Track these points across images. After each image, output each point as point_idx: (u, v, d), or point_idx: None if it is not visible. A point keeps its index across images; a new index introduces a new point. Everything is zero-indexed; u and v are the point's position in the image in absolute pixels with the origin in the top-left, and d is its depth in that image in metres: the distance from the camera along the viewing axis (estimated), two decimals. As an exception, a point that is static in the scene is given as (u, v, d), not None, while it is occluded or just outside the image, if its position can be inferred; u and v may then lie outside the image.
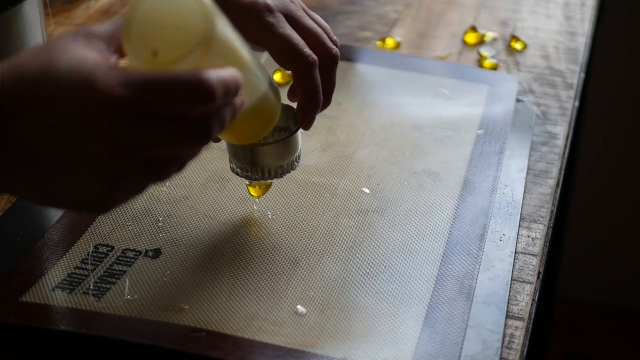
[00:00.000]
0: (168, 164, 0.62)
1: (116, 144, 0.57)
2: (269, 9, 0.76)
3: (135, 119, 0.57)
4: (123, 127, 0.57)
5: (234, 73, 0.60)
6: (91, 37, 0.60)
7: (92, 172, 0.58)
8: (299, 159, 0.80)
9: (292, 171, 0.80)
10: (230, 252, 0.79)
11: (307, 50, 0.76)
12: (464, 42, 1.18)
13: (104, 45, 0.60)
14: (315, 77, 0.77)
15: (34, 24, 0.90)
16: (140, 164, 0.59)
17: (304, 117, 0.78)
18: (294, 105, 0.79)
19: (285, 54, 0.76)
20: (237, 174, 0.80)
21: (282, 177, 0.80)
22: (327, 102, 0.79)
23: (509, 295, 0.77)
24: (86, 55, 0.58)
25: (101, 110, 0.57)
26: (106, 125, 0.57)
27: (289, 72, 0.81)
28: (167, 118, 0.58)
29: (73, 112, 0.57)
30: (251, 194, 0.84)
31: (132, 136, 0.58)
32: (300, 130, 0.79)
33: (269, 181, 0.82)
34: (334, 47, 0.79)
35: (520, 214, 0.86)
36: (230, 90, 0.60)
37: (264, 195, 0.84)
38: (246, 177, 0.80)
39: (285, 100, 0.79)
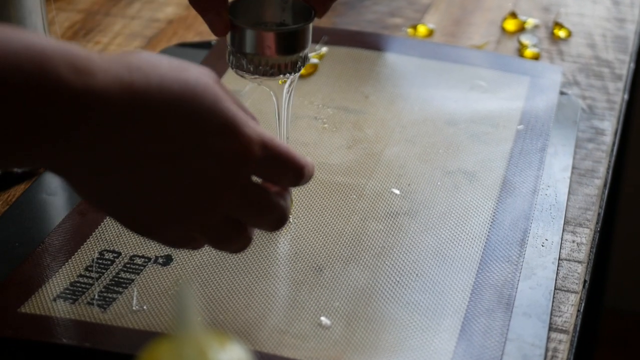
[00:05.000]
0: (236, 234, 0.65)
1: (219, 194, 0.61)
2: None
3: (250, 182, 0.63)
4: (236, 183, 0.62)
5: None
6: (226, 91, 0.63)
7: (172, 205, 0.61)
8: (309, 58, 0.79)
9: (302, 68, 0.77)
10: (248, 258, 0.78)
11: None
12: (503, 30, 1.18)
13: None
14: None
15: (34, 10, 0.89)
16: (219, 220, 0.63)
17: (324, 3, 0.78)
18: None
19: None
20: (238, 67, 0.77)
21: (292, 74, 0.77)
22: None
23: (552, 305, 0.77)
24: (230, 101, 0.62)
25: (232, 160, 0.61)
26: (226, 174, 0.61)
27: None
28: (271, 191, 0.65)
29: (204, 146, 0.60)
30: None
31: (236, 194, 0.62)
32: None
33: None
34: None
35: (564, 217, 0.86)
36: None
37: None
38: (251, 72, 0.76)
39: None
